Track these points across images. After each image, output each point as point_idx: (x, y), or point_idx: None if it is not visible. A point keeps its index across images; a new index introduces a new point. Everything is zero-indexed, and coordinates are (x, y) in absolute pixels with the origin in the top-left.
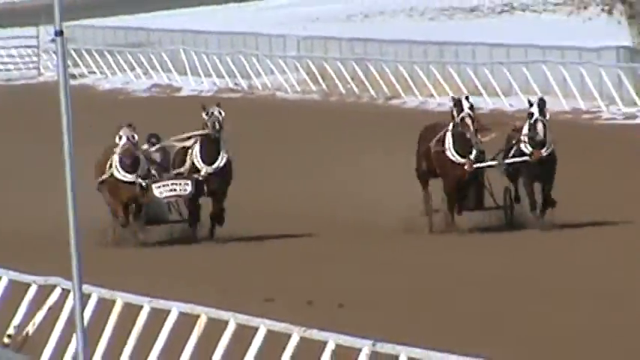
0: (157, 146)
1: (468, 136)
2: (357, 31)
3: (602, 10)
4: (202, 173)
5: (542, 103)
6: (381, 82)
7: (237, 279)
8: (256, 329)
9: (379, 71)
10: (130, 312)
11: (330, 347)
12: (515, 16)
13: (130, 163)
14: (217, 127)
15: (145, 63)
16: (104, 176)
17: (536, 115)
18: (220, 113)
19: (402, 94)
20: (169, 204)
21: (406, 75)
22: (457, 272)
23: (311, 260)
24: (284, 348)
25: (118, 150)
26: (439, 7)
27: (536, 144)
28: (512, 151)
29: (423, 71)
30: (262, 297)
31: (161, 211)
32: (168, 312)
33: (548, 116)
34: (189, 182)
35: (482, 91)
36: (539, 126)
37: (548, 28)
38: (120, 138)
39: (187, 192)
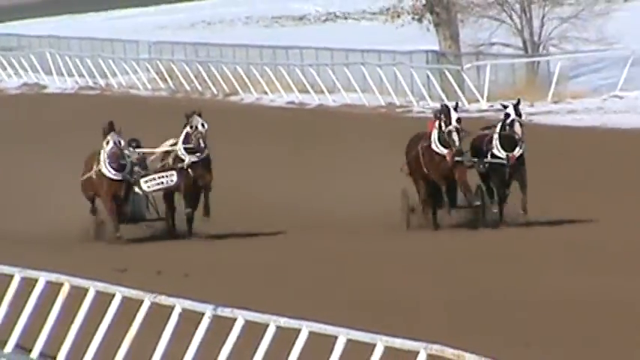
0: (137, 152)
1: (453, 150)
2: (200, 37)
3: (413, 18)
4: (186, 162)
5: (517, 105)
6: (221, 80)
7: (98, 252)
8: (113, 296)
9: (219, 71)
10: (3, 281)
11: (177, 311)
12: (338, 24)
13: (117, 167)
14: (202, 145)
15: (16, 64)
16: (89, 174)
17: (513, 115)
18: (203, 126)
19: (240, 92)
20: (148, 203)
21: (243, 75)
22: (317, 249)
23: (160, 235)
24: (137, 312)
25: (105, 152)
26: (272, 16)
27: (512, 143)
28: (489, 155)
29: (258, 71)
30: (118, 268)
31: (140, 209)
32: (36, 280)
33: (523, 117)
34: (174, 173)
35: (310, 89)
36: (517, 125)
37: (366, 34)
38: (107, 142)
39: (174, 182)
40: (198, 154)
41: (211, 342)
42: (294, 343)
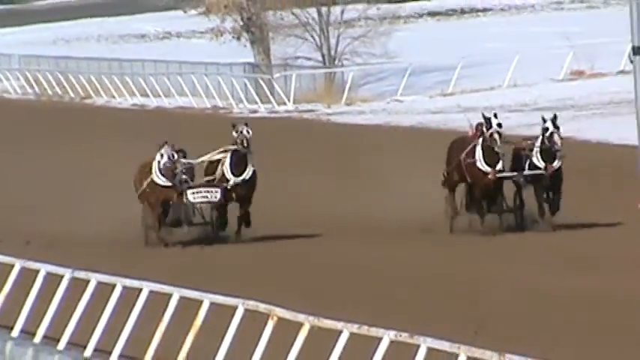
0: (185, 162)
1: (496, 149)
2: (60, 52)
3: (233, 37)
4: (231, 183)
5: (555, 119)
6: (77, 87)
7: None
8: None
9: (76, 80)
10: None
11: (42, 274)
12: (172, 41)
13: (169, 178)
14: (246, 144)
15: None
16: (143, 186)
17: (552, 128)
18: (248, 132)
19: (93, 96)
20: (194, 208)
21: (96, 82)
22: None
23: (29, 212)
24: (8, 275)
25: (159, 165)
26: (118, 34)
27: (551, 155)
28: (527, 165)
29: (108, 79)
30: None
31: (187, 214)
32: None
33: (561, 130)
34: (219, 190)
35: (150, 94)
36: (556, 137)
37: (196, 50)
38: (162, 156)
39: (217, 199)
40: (242, 177)
41: (71, 300)
42: (135, 302)
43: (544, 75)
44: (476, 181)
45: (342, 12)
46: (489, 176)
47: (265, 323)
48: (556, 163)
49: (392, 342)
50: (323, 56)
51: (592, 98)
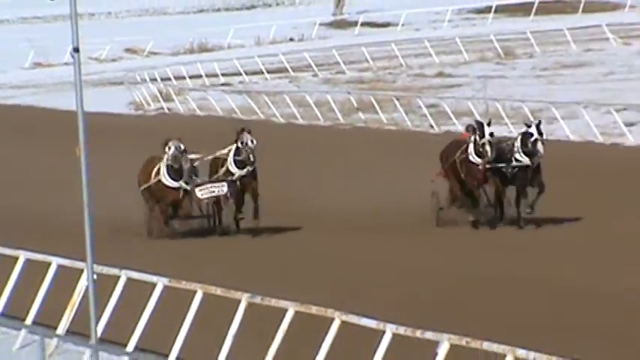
0: (191, 157)
1: (487, 159)
2: None
3: None
4: (236, 175)
5: (539, 126)
6: None
7: None
8: None
9: None
10: None
11: None
12: None
13: (177, 169)
14: (252, 159)
15: None
16: (150, 183)
17: (536, 135)
18: (252, 142)
19: None
20: (193, 202)
21: None
22: None
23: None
24: None
25: (166, 158)
26: None
27: (532, 154)
28: (513, 160)
29: None
30: None
31: (187, 208)
32: None
33: (544, 136)
34: (224, 184)
35: None
36: (539, 145)
37: None
38: (169, 148)
39: (224, 192)
40: (246, 169)
41: None
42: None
43: (17, 64)
44: (469, 175)
45: None
46: (479, 167)
47: None
48: (536, 159)
49: (27, 260)
50: None
51: (47, 80)
